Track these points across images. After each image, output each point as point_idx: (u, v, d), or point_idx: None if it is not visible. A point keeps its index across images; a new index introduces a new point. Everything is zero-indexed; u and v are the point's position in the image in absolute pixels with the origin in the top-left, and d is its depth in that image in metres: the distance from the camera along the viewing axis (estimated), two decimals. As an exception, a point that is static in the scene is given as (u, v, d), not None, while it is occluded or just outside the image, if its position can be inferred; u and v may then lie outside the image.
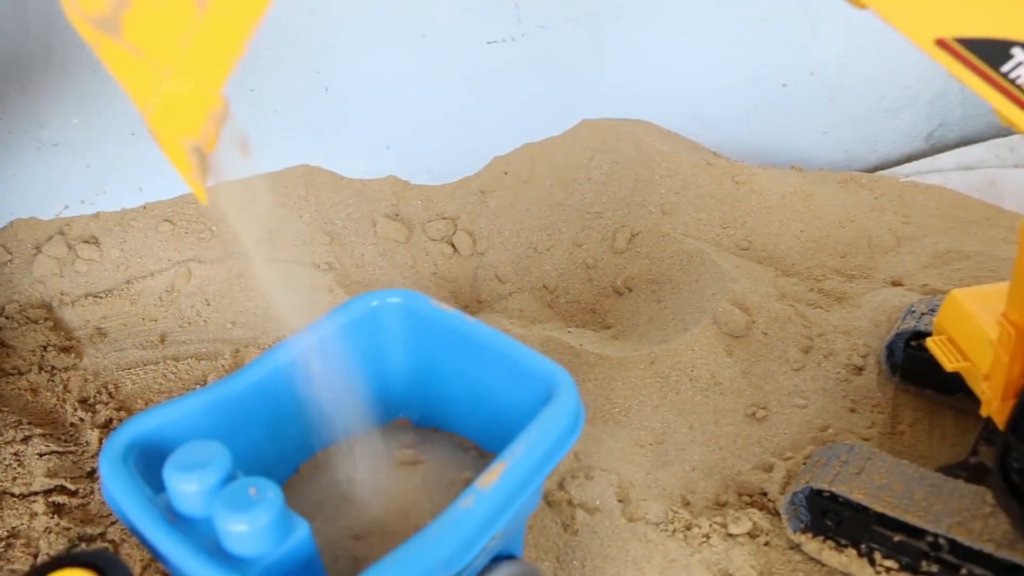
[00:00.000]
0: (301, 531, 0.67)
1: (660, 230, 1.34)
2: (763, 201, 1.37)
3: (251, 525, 0.66)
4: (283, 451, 0.88)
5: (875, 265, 1.32)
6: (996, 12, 0.64)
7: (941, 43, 0.65)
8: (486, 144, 1.44)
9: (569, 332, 1.25)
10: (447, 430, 0.92)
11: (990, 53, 0.65)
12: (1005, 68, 0.64)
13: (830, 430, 1.09)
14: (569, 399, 0.76)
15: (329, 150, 1.43)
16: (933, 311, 1.12)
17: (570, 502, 1.01)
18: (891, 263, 1.32)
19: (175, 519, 0.72)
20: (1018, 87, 0.65)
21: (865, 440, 1.07)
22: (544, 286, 1.38)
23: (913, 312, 1.13)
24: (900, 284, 1.28)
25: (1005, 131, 1.46)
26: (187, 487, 0.70)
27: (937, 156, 1.49)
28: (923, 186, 1.41)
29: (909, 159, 1.52)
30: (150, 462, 0.76)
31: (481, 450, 0.89)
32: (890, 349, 1.14)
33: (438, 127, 1.43)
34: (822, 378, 1.16)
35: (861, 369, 1.16)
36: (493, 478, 0.70)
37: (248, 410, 0.83)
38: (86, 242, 1.39)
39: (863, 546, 0.92)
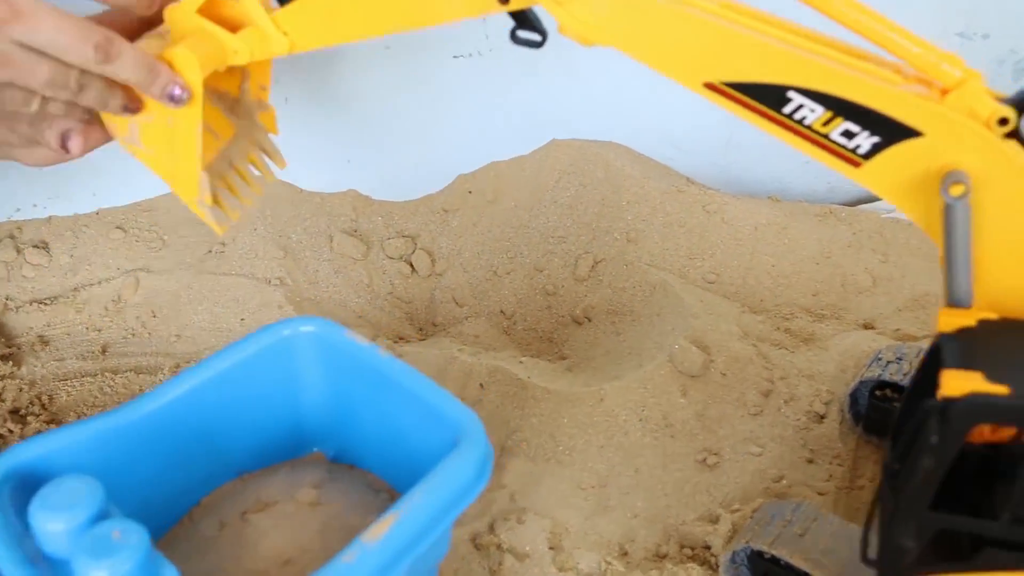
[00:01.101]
0: (168, 578, 0.62)
1: (624, 258, 1.29)
2: (734, 232, 1.31)
3: (111, 572, 0.62)
4: (184, 484, 0.83)
5: (847, 305, 1.26)
6: (763, 60, 0.65)
7: (710, 86, 0.67)
8: (451, 161, 1.39)
9: (520, 362, 1.19)
10: (363, 467, 0.86)
11: (768, 97, 0.66)
12: (787, 110, 0.66)
13: (784, 481, 1.03)
14: (476, 447, 0.71)
15: (288, 162, 1.37)
16: (900, 359, 1.06)
17: (499, 546, 0.95)
18: (864, 304, 1.26)
19: (41, 560, 0.67)
20: (807, 127, 0.67)
21: (821, 494, 1.01)
22: (502, 311, 1.32)
23: (879, 360, 1.07)
24: (872, 327, 1.22)
25: None
26: (52, 526, 0.65)
27: (921, 192, 1.43)
28: (905, 223, 1.35)
29: (892, 194, 1.46)
30: (30, 495, 0.71)
31: (393, 492, 0.83)
32: (853, 397, 1.08)
33: (401, 142, 1.38)
34: (781, 424, 1.10)
35: (823, 417, 1.10)
36: (381, 532, 0.65)
37: (143, 441, 0.78)
38: (36, 247, 1.34)
39: (802, 613, 0.86)
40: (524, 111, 1.38)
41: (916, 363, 1.04)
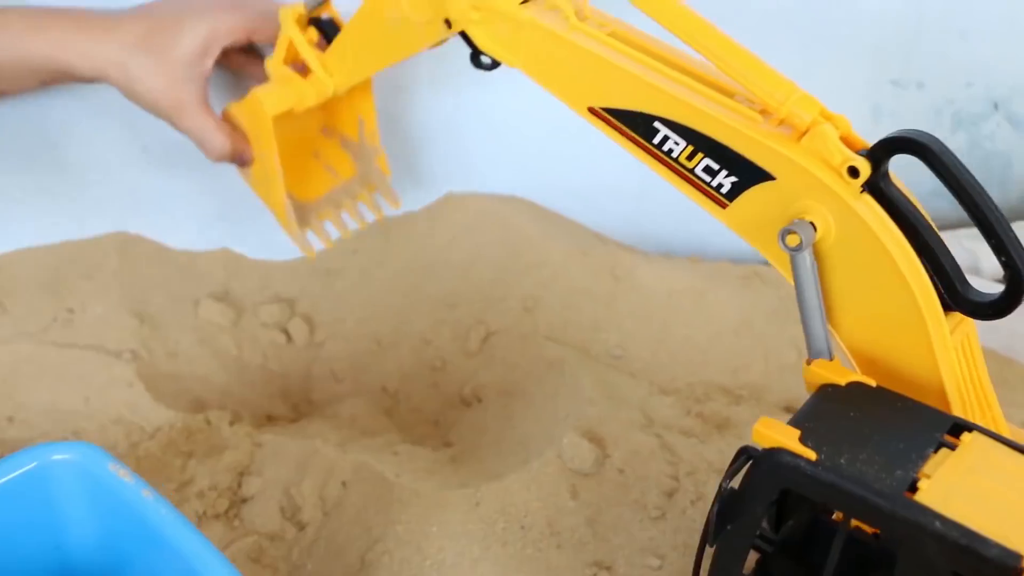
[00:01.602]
0: None
1: (520, 330, 1.15)
2: (644, 300, 1.17)
3: None
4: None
5: (769, 384, 1.12)
6: (631, 89, 0.69)
7: (593, 111, 0.72)
8: (334, 217, 1.24)
9: (395, 453, 1.04)
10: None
11: (639, 126, 0.69)
12: (656, 141, 0.69)
13: (685, 602, 0.89)
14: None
15: (151, 216, 1.23)
16: None
17: None
18: (788, 382, 1.12)
19: None
20: (675, 160, 0.69)
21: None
22: (384, 389, 1.17)
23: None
24: (794, 410, 1.08)
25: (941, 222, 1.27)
26: None
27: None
28: (837, 288, 1.21)
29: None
30: None
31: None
32: (767, 500, 0.94)
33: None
34: (685, 530, 0.95)
35: (734, 520, 0.95)
36: None
37: None
38: None
39: None
40: (415, 161, 1.24)
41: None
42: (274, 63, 0.97)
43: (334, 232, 1.11)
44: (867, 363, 0.70)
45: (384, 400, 1.17)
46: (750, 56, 0.67)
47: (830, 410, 0.63)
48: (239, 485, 1.01)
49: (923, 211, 0.67)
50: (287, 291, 1.25)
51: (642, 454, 0.99)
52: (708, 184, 0.68)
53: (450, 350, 1.17)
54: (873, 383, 0.65)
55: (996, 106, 1.25)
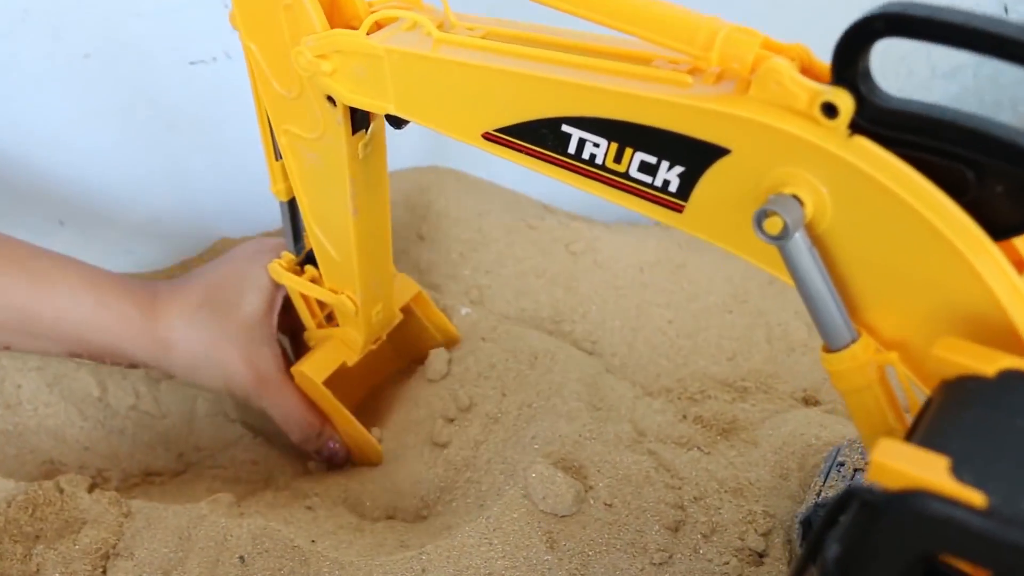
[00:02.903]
0: None
1: (463, 328, 0.90)
2: (612, 279, 0.94)
3: None
4: None
5: (778, 371, 0.89)
6: (521, 92, 0.53)
7: (489, 137, 0.56)
8: (210, 212, 0.98)
9: (310, 508, 0.79)
10: None
11: (546, 138, 0.53)
12: (571, 151, 0.53)
13: (715, 678, 0.65)
14: None
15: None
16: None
17: None
18: (802, 367, 0.89)
19: None
20: (603, 168, 0.52)
21: None
22: (292, 423, 0.92)
23: (840, 465, 0.72)
24: (816, 402, 0.85)
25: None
26: None
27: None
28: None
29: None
30: None
31: None
32: (808, 525, 0.71)
33: (135, 189, 0.97)
34: (700, 573, 0.72)
35: (762, 556, 0.73)
36: None
37: None
38: None
39: None
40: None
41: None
42: (309, 331, 0.88)
43: None
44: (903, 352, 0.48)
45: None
46: (650, 2, 0.48)
47: (982, 418, 0.39)
48: (103, 572, 0.76)
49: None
50: (160, 309, 0.99)
51: (634, 480, 0.75)
52: (651, 186, 0.50)
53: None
54: None
55: (1006, 9, 1.03)
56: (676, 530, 0.74)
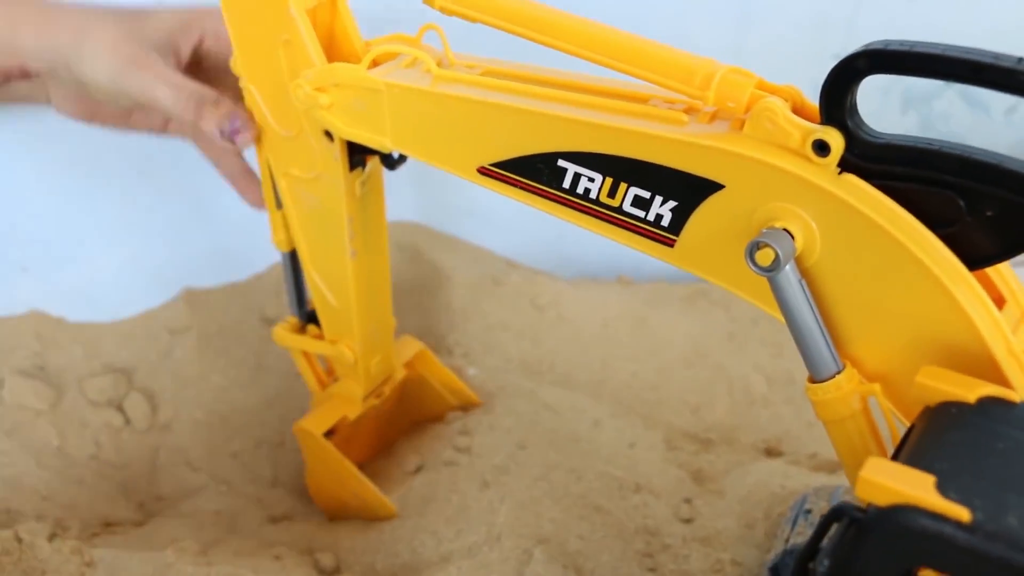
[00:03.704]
0: None
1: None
2: (576, 332, 0.96)
3: None
4: None
5: (739, 423, 0.91)
6: (519, 126, 0.55)
7: (484, 171, 0.58)
8: (174, 259, 0.98)
9: (278, 558, 0.78)
10: None
11: (542, 173, 0.55)
12: (567, 185, 0.54)
13: None
14: None
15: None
16: None
17: None
18: (763, 419, 0.91)
19: None
20: (596, 203, 0.54)
21: None
22: (256, 474, 0.91)
23: (807, 512, 0.72)
24: (778, 453, 0.87)
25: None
26: None
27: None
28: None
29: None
30: None
31: None
32: (775, 573, 0.72)
33: (102, 233, 0.97)
34: (672, 620, 0.73)
35: (731, 603, 0.74)
36: None
37: None
38: None
39: None
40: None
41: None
42: (314, 395, 0.87)
43: None
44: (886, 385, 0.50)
45: (257, 487, 0.90)
46: (650, 45, 0.51)
47: (964, 440, 0.41)
48: (63, 626, 0.74)
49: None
50: (120, 359, 0.98)
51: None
52: (644, 220, 0.52)
53: (339, 415, 0.92)
54: (1017, 398, 0.43)
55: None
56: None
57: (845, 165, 0.45)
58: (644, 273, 1.08)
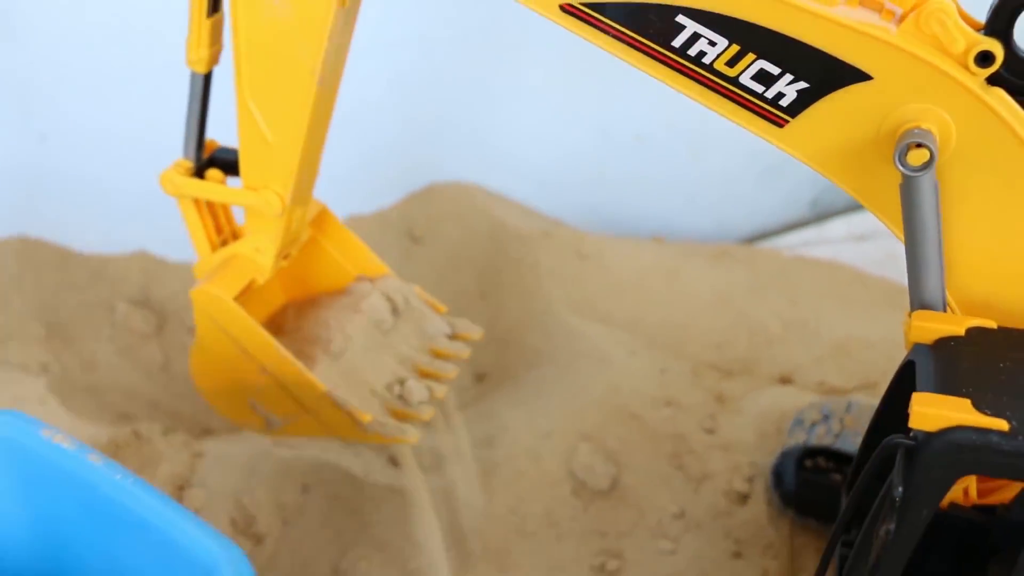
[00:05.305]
0: None
1: (482, 320, 1.04)
2: (615, 279, 1.08)
3: None
4: None
5: (758, 357, 1.03)
6: None
7: (568, 8, 0.50)
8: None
9: (358, 455, 0.92)
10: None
11: (650, 24, 0.48)
12: (678, 43, 0.49)
13: (708, 587, 0.78)
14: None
15: (53, 216, 1.09)
16: (827, 418, 0.85)
17: None
18: (778, 355, 1.04)
19: None
20: (707, 68, 0.49)
21: (755, 601, 0.77)
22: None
23: (800, 422, 0.86)
24: (790, 381, 1.00)
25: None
26: None
27: (825, 224, 1.24)
28: (811, 261, 1.16)
29: (792, 228, 1.25)
30: None
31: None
32: (777, 474, 0.85)
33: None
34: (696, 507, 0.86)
35: (746, 497, 0.87)
36: None
37: None
38: None
39: None
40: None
41: (848, 419, 0.85)
42: (203, 260, 0.77)
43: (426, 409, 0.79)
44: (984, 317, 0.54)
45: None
46: None
47: (973, 365, 0.50)
48: (180, 499, 0.88)
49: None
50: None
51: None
52: (760, 96, 0.50)
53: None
54: (993, 324, 0.52)
55: None
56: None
57: (994, 80, 0.47)
58: (673, 235, 1.21)
